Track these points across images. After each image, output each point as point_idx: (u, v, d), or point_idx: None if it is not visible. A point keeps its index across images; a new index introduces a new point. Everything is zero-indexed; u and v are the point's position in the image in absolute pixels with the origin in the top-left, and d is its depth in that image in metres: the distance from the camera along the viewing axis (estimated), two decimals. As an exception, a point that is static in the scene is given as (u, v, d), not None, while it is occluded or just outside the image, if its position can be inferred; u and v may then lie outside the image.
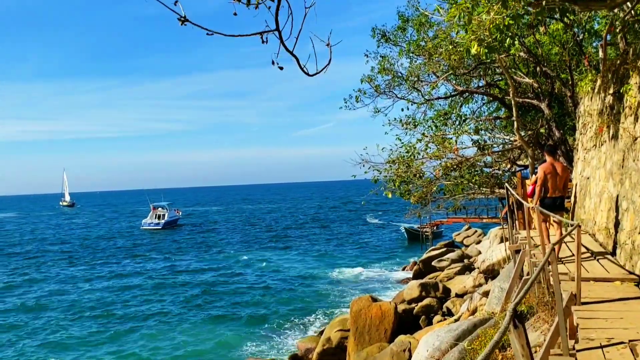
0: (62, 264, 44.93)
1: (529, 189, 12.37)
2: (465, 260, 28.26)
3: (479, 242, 32.79)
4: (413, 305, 19.72)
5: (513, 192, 10.33)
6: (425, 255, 30.62)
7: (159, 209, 79.98)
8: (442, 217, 43.07)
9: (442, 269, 27.80)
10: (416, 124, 16.40)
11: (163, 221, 76.45)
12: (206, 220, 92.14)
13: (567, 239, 9.89)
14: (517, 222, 13.08)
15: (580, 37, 15.50)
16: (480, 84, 17.97)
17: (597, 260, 8.27)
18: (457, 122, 16.97)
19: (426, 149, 15.38)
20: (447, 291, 20.72)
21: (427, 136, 15.80)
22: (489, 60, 16.19)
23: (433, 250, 31.26)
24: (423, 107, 16.82)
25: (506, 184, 11.05)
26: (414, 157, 15.36)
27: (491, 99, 18.02)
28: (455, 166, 16.57)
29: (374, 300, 17.77)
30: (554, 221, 9.45)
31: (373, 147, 15.58)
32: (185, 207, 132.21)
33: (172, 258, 46.23)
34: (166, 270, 39.74)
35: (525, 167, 16.13)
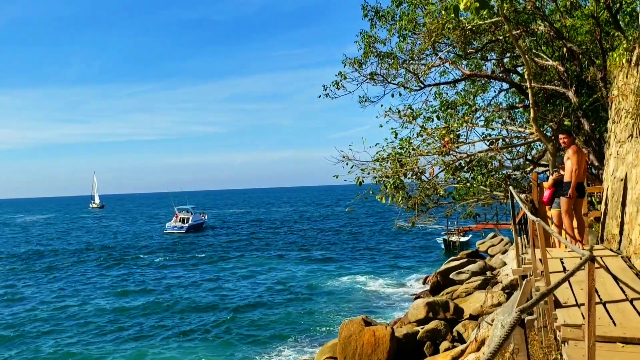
0: (77, 267, 44.23)
1: (546, 193, 9.58)
2: (488, 273, 25.28)
3: (505, 252, 29.66)
4: (418, 328, 16.91)
5: (519, 199, 7.55)
6: (443, 267, 27.67)
7: (183, 212, 78.92)
8: (469, 223, 39.93)
9: (461, 282, 24.90)
10: (415, 115, 13.62)
11: (187, 225, 75.15)
12: (233, 224, 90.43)
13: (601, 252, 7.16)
14: (530, 237, 10.28)
15: (617, 6, 12.60)
16: (494, 69, 15.12)
17: (632, 303, 5.48)
18: (467, 114, 14.13)
19: (424, 143, 12.58)
20: (459, 311, 17.87)
21: (426, 129, 13.01)
22: (501, 37, 13.41)
23: (453, 260, 28.26)
24: (424, 94, 14.08)
25: (510, 188, 8.28)
26: (409, 153, 12.60)
27: (508, 86, 15.16)
28: (465, 165, 13.78)
29: (367, 323, 15.09)
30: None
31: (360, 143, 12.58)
32: (215, 210, 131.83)
33: (187, 264, 44.63)
34: (171, 278, 37.85)
35: (547, 167, 13.20)
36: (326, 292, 31.92)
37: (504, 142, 14.33)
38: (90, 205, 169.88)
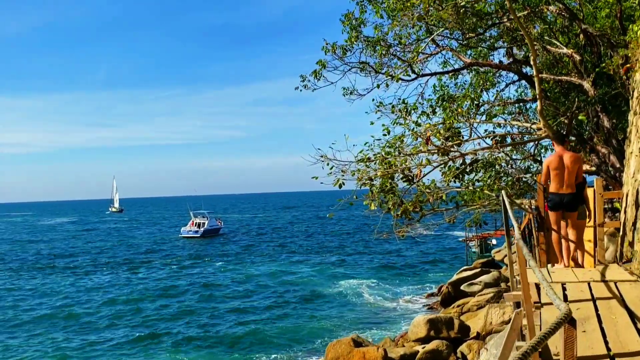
0: (88, 270, 43.72)
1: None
2: (502, 284, 23.40)
3: (522, 261, 27.70)
4: (418, 347, 15.22)
5: (517, 206, 5.93)
6: (455, 276, 25.83)
7: (199, 217, 78.12)
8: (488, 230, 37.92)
9: (473, 294, 23.09)
10: (409, 109, 11.99)
11: (202, 229, 74.26)
12: (249, 229, 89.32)
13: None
14: (534, 252, 8.64)
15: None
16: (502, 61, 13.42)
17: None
18: (470, 108, 12.45)
19: (415, 140, 10.93)
20: (464, 329, 16.12)
21: (420, 125, 11.37)
22: (505, 20, 11.74)
23: (465, 270, 26.41)
24: (420, 87, 12.46)
25: (502, 192, 6.67)
26: (398, 152, 10.97)
27: (517, 78, 13.46)
28: (467, 167, 12.10)
29: (358, 344, 13.47)
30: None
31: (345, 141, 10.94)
32: (233, 215, 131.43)
33: (197, 269, 43.61)
34: (174, 281, 36.74)
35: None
36: (332, 300, 30.62)
37: (512, 140, 12.62)
38: (110, 209, 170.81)
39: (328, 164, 10.98)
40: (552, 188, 7.69)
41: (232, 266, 44.69)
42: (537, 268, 3.03)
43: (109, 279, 39.20)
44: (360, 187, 11.10)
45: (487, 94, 14.30)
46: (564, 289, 5.77)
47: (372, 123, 12.54)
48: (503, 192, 6.63)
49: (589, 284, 5.83)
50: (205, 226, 75.42)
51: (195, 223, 76.11)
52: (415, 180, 10.69)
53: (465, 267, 28.11)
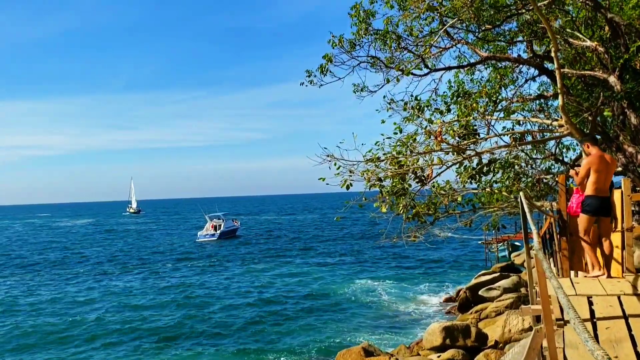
0: (101, 273, 43.46)
1: (573, 200, 7.24)
2: (522, 290, 22.61)
3: (543, 266, 26.81)
4: (432, 357, 14.53)
5: (527, 210, 5.27)
6: (473, 281, 25.07)
7: (214, 219, 77.89)
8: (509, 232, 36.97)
9: (491, 300, 22.33)
10: (422, 106, 11.34)
11: (219, 232, 73.99)
12: (266, 230, 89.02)
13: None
14: (556, 259, 7.97)
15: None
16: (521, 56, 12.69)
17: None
18: (488, 105, 11.74)
19: (428, 138, 10.25)
20: (482, 338, 15.39)
21: (433, 122, 10.69)
22: (522, 11, 11.03)
23: (484, 274, 25.61)
24: (434, 82, 11.81)
25: (521, 194, 6.00)
26: (410, 151, 10.31)
27: (537, 73, 12.72)
28: (484, 167, 11.41)
29: (369, 353, 12.84)
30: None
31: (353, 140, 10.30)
32: (250, 217, 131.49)
33: (213, 271, 43.27)
34: (193, 285, 36.38)
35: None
36: (347, 303, 30.07)
37: (532, 138, 11.88)
38: (128, 210, 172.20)
39: (335, 164, 10.36)
40: (592, 191, 7.04)
41: (247, 268, 44.30)
42: (560, 288, 2.41)
43: (126, 283, 38.90)
44: (370, 189, 10.47)
45: (505, 91, 13.59)
46: (590, 303, 5.10)
47: (383, 121, 11.92)
48: (521, 193, 5.97)
49: (619, 297, 5.16)
50: (222, 228, 75.15)
51: (212, 226, 75.88)
52: (427, 181, 10.03)
53: (483, 271, 27.32)
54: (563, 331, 4.29)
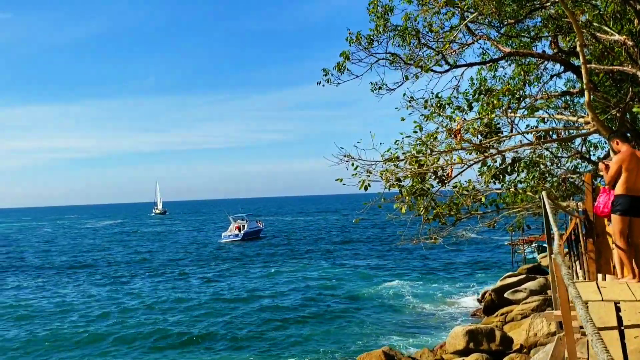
0: (126, 274, 43.90)
1: (600, 200, 6.90)
2: (549, 292, 22.07)
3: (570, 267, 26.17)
4: (455, 361, 14.22)
5: (549, 211, 4.98)
6: (499, 283, 24.59)
7: (238, 220, 78.30)
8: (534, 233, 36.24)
9: (517, 302, 21.85)
10: (443, 104, 11.03)
11: (242, 232, 74.34)
12: (290, 231, 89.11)
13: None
14: (582, 261, 7.64)
15: None
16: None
17: None
18: (512, 102, 11.39)
19: (449, 137, 9.93)
20: (507, 341, 15.00)
21: (454, 119, 10.38)
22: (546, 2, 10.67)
23: (510, 276, 25.09)
24: (455, 79, 11.48)
25: (543, 194, 5.71)
26: (430, 150, 10.03)
27: (563, 69, 12.31)
28: (508, 166, 11.06)
29: (389, 357, 12.56)
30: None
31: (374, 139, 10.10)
32: (275, 217, 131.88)
33: (236, 272, 43.43)
34: (216, 286, 36.48)
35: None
36: (371, 304, 30.00)
37: (557, 136, 11.49)
38: (154, 211, 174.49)
39: (353, 164, 10.13)
40: (623, 190, 6.56)
41: (270, 270, 44.26)
42: (578, 297, 2.16)
43: (151, 284, 39.19)
44: (389, 189, 10.22)
45: (529, 88, 13.20)
46: (618, 310, 4.79)
47: (402, 119, 11.63)
48: (544, 193, 5.68)
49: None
50: (246, 229, 75.50)
51: (236, 227, 76.26)
52: (447, 181, 9.73)
53: (509, 273, 26.80)
54: (588, 340, 4.01)
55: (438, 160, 9.72)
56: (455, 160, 9.37)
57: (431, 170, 10.01)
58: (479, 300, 28.11)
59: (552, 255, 3.49)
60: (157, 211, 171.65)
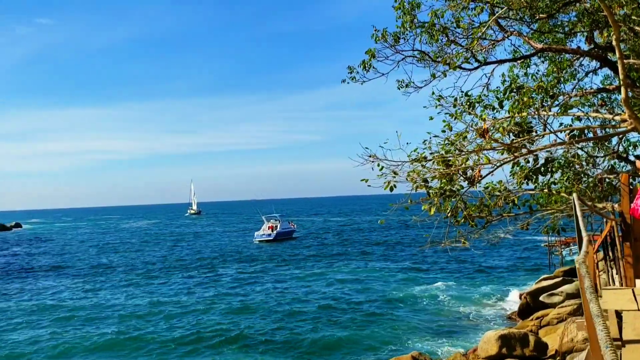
0: (162, 274, 44.47)
1: (639, 202, 6.53)
2: (587, 296, 21.41)
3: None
4: (487, 367, 13.83)
5: (579, 213, 4.70)
6: (534, 286, 23.98)
7: (272, 220, 78.74)
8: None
9: (553, 306, 21.25)
10: (472, 102, 10.70)
11: (275, 232, 74.70)
12: (322, 232, 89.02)
13: None
14: (619, 266, 7.29)
15: None
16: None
17: None
18: (545, 100, 10.99)
19: (477, 136, 9.59)
20: (541, 347, 14.54)
21: (484, 120, 10.06)
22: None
23: (545, 279, 24.44)
24: (485, 77, 11.15)
25: (574, 195, 5.41)
26: (459, 150, 9.73)
27: (599, 65, 11.84)
28: (541, 167, 10.68)
29: (418, 362, 12.29)
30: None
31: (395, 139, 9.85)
32: (306, 218, 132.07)
33: (270, 273, 43.60)
34: (248, 287, 36.63)
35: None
36: (404, 305, 29.79)
37: (593, 134, 11.03)
38: (188, 211, 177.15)
39: (378, 165, 9.90)
40: None
41: (302, 271, 44.25)
42: (599, 316, 1.93)
43: (186, 284, 39.60)
44: (416, 190, 9.95)
45: (563, 85, 12.74)
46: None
47: (431, 118, 11.33)
48: (574, 194, 5.38)
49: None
50: (278, 229, 75.85)
51: (269, 227, 76.68)
52: (475, 182, 9.41)
53: (545, 276, 26.11)
54: (620, 353, 3.74)
55: (467, 161, 9.41)
56: (483, 160, 9.04)
57: (460, 170, 9.71)
58: (514, 302, 27.53)
59: (577, 265, 3.25)
60: (192, 211, 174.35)
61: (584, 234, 3.87)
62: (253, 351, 22.36)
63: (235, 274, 43.87)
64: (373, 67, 10.08)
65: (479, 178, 9.24)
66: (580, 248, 6.02)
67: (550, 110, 10.92)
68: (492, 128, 9.24)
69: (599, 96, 12.28)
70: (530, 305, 22.81)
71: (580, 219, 4.44)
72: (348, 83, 10.44)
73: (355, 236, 78.09)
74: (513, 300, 28.54)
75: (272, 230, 75.27)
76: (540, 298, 21.63)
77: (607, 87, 11.78)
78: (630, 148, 12.08)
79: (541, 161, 10.68)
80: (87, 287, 39.16)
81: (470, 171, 9.95)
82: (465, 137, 10.46)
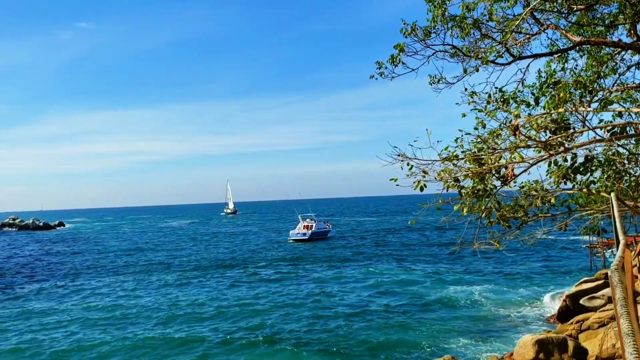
0: (197, 272, 44.90)
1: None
2: (630, 299, 20.60)
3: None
4: (524, 372, 13.36)
5: (616, 214, 4.37)
6: (574, 288, 23.22)
7: (307, 220, 78.86)
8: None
9: (594, 310, 20.54)
10: (507, 99, 10.32)
11: (310, 232, 74.74)
12: (357, 232, 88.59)
13: None
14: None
15: None
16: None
17: None
18: (584, 95, 10.52)
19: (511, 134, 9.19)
20: (581, 353, 13.99)
21: (519, 116, 9.67)
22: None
23: (586, 281, 23.64)
24: (520, 72, 10.74)
25: (612, 195, 5.08)
26: (493, 149, 9.36)
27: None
28: (581, 165, 10.23)
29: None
30: None
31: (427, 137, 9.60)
32: (342, 218, 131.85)
33: (303, 273, 43.64)
34: (281, 287, 36.67)
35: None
36: (441, 307, 29.37)
37: (635, 131, 10.51)
38: (225, 210, 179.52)
39: (408, 164, 9.60)
40: None
41: (336, 271, 44.06)
42: (630, 335, 1.68)
43: (224, 284, 39.88)
44: (447, 190, 9.62)
45: (604, 80, 12.21)
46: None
47: (464, 115, 10.97)
48: (612, 194, 5.04)
49: None
50: (313, 229, 75.87)
51: (303, 226, 76.83)
52: (508, 181, 9.03)
53: (586, 278, 25.24)
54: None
55: (499, 159, 9.05)
56: (515, 158, 8.67)
57: (493, 169, 9.34)
58: (552, 304, 26.76)
59: (609, 272, 2.95)
60: (228, 211, 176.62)
61: (621, 237, 3.56)
62: (287, 351, 22.34)
63: (271, 273, 44.05)
64: (402, 62, 9.78)
65: (512, 177, 8.85)
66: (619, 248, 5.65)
67: (589, 106, 10.45)
68: (527, 125, 8.85)
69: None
70: (570, 309, 22.11)
71: (617, 220, 4.12)
72: (376, 79, 10.17)
73: (390, 237, 77.47)
74: (552, 302, 27.75)
75: (308, 230, 75.35)
76: (581, 301, 20.92)
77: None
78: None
79: (580, 159, 10.23)
80: (126, 286, 39.71)
81: (504, 169, 9.59)
82: (499, 134, 10.09)
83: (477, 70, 9.93)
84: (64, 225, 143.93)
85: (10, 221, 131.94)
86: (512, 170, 8.64)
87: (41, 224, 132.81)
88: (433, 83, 10.48)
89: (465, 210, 10.21)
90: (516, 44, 10.53)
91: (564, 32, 10.06)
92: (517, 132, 7.74)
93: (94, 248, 73.84)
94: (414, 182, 9.40)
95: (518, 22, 8.85)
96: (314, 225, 77.05)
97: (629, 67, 12.00)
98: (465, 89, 10.74)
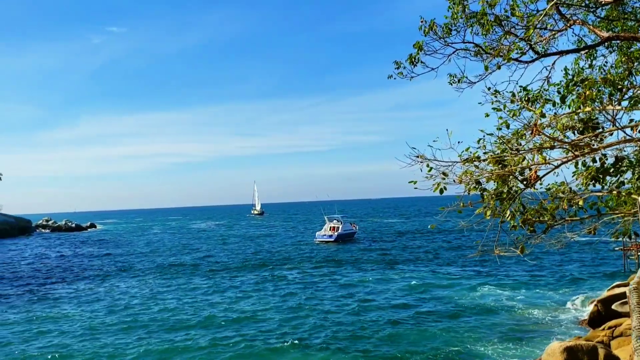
0: (224, 273, 45.02)
1: None
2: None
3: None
4: (552, 380, 12.90)
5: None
6: (606, 293, 22.51)
7: (334, 221, 78.60)
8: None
9: (627, 315, 19.82)
10: (532, 98, 9.93)
11: (336, 234, 74.45)
12: (384, 234, 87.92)
13: None
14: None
15: None
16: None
17: None
18: (613, 94, 10.08)
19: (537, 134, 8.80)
20: (612, 361, 13.45)
21: (543, 115, 9.28)
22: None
23: (619, 286, 22.90)
24: (545, 70, 10.33)
25: (638, 198, 4.72)
26: (517, 150, 9.00)
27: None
28: (611, 167, 9.81)
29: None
30: None
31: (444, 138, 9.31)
32: (368, 220, 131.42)
33: (326, 275, 43.52)
34: (306, 288, 36.53)
35: None
36: (470, 310, 28.91)
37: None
38: (252, 212, 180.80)
39: (427, 165, 9.30)
40: None
41: (363, 274, 43.72)
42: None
43: (251, 285, 40.03)
44: (469, 192, 9.28)
45: (635, 78, 11.69)
46: None
47: (487, 115, 10.61)
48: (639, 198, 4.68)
49: None
50: (340, 230, 75.56)
51: (330, 227, 76.59)
52: (531, 183, 8.66)
53: (618, 282, 24.49)
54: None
55: (522, 160, 8.69)
56: (538, 159, 8.30)
57: (518, 171, 8.98)
58: (583, 309, 26.03)
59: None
60: (255, 212, 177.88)
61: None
62: (315, 354, 22.22)
63: (298, 275, 44.04)
64: (421, 62, 9.47)
65: (536, 179, 8.48)
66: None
67: (619, 105, 10.00)
68: (552, 125, 8.48)
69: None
70: (602, 314, 21.46)
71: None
72: (395, 79, 9.88)
73: (417, 239, 76.70)
74: (583, 307, 27.01)
75: (334, 232, 75.05)
76: (613, 306, 20.25)
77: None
78: None
79: (610, 160, 9.79)
80: (154, 288, 39.79)
81: (528, 171, 9.22)
82: (523, 134, 9.72)
83: (499, 68, 9.56)
84: (95, 227, 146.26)
85: (44, 223, 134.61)
86: (536, 172, 8.27)
87: (73, 225, 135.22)
88: (453, 83, 10.15)
89: (488, 213, 9.86)
90: (541, 41, 10.13)
91: (591, 27, 9.63)
92: (534, 130, 7.36)
93: (125, 250, 74.77)
94: (433, 185, 9.10)
95: (542, 17, 8.50)
96: (341, 226, 76.72)
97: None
98: (489, 88, 10.39)
